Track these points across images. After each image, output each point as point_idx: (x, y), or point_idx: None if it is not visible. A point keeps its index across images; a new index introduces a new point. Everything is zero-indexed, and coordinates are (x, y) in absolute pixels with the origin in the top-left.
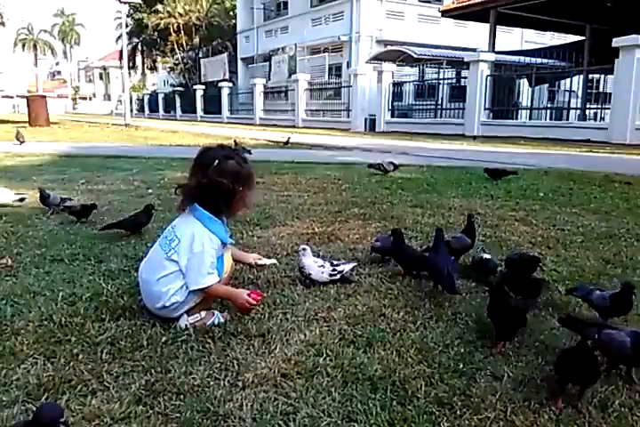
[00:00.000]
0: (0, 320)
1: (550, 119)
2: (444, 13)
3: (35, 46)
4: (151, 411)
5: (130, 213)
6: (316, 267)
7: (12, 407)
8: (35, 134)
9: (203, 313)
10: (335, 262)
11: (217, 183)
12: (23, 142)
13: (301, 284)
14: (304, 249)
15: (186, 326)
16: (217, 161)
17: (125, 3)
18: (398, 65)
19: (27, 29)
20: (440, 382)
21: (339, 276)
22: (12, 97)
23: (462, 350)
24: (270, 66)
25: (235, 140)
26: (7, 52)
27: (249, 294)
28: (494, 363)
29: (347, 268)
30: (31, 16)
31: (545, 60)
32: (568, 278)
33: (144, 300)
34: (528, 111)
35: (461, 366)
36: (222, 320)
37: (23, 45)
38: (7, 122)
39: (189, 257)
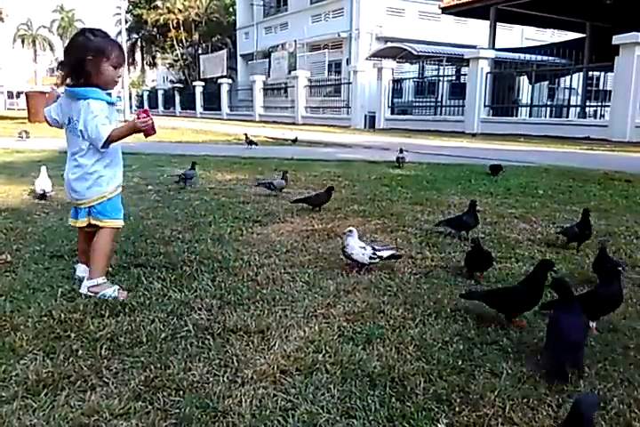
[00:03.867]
0: None
1: (550, 117)
2: (445, 10)
3: (34, 42)
4: (150, 407)
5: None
6: (358, 248)
7: (11, 403)
8: (34, 130)
9: (100, 280)
10: (377, 247)
11: (80, 58)
12: (27, 138)
13: (347, 266)
14: (350, 231)
15: (86, 293)
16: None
17: None
18: (398, 62)
19: (26, 25)
20: (439, 378)
21: (378, 260)
22: (11, 92)
23: (461, 347)
24: (270, 62)
25: (245, 134)
26: (7, 47)
27: (137, 117)
28: (493, 360)
29: (385, 254)
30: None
31: (545, 58)
32: (567, 276)
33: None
34: (528, 109)
35: (460, 362)
36: (120, 298)
37: (22, 41)
38: (6, 118)
39: (84, 121)
